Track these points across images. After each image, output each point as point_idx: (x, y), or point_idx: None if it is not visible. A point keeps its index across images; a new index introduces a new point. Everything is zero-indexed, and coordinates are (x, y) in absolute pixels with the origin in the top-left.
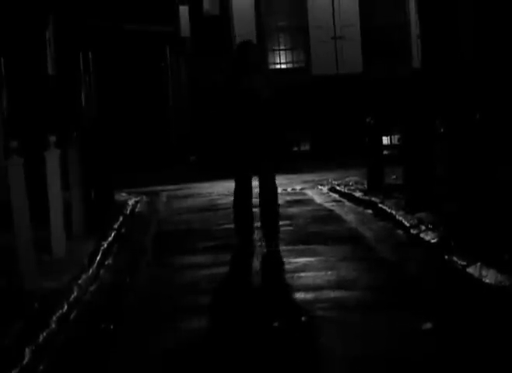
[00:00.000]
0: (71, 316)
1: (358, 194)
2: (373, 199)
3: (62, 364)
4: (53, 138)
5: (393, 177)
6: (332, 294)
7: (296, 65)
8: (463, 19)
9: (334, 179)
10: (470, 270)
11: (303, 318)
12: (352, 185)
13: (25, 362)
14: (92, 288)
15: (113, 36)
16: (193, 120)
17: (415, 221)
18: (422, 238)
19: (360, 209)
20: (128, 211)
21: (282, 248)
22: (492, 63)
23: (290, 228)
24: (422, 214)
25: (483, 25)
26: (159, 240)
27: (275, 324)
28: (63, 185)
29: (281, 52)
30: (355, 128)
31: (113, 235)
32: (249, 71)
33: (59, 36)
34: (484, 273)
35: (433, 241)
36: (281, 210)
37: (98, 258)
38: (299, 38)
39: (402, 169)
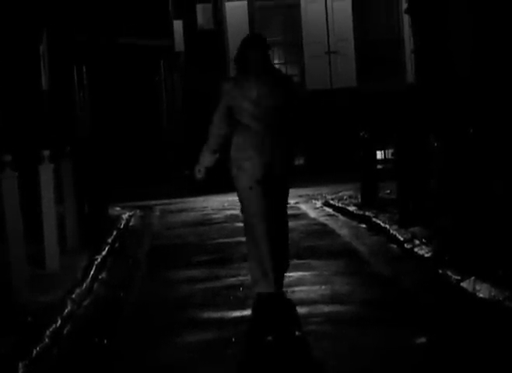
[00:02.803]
0: (65, 330)
1: (352, 208)
2: (366, 213)
3: None
4: (47, 152)
5: (387, 191)
6: (326, 308)
7: None
8: (458, 36)
9: (328, 194)
10: (464, 284)
11: (296, 333)
12: (346, 199)
13: None
14: (86, 302)
15: (107, 50)
16: (187, 134)
17: (409, 236)
18: (416, 253)
19: (354, 223)
20: (122, 225)
21: None
22: (489, 80)
23: None
24: (415, 229)
25: (482, 43)
26: (153, 254)
27: (269, 338)
28: (56, 199)
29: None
30: (349, 142)
31: (107, 249)
32: (254, 74)
33: (53, 51)
34: (478, 287)
35: (426, 255)
36: None
37: (92, 272)
38: (294, 53)
39: (396, 184)
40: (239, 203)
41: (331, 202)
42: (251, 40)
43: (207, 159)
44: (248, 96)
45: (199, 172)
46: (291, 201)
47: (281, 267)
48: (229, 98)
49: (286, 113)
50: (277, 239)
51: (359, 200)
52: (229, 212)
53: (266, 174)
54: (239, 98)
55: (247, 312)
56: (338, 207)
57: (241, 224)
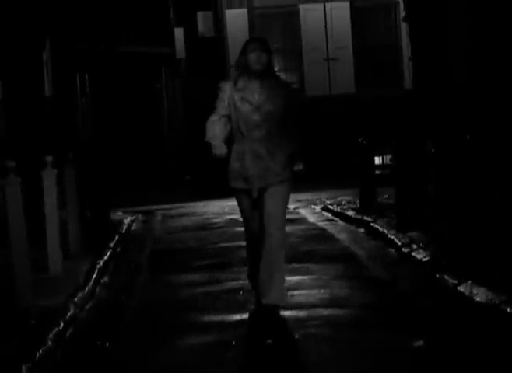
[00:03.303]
0: (68, 334)
1: (350, 213)
2: (365, 218)
3: None
4: (50, 158)
5: (385, 196)
6: (325, 312)
7: None
8: (456, 44)
9: (327, 199)
10: (461, 288)
11: (296, 336)
12: (344, 204)
13: None
14: (88, 306)
15: (109, 57)
16: (188, 140)
17: (407, 240)
18: (414, 257)
19: (353, 228)
20: (124, 230)
21: None
22: (486, 87)
23: None
24: (413, 233)
25: (479, 51)
26: (155, 258)
27: (269, 341)
28: (59, 204)
29: None
30: (348, 148)
31: (109, 253)
32: (256, 77)
33: (56, 59)
34: (475, 291)
35: (424, 259)
36: None
37: (94, 276)
38: (293, 60)
39: (394, 189)
40: (239, 209)
41: (330, 207)
42: (254, 42)
43: (218, 132)
44: (249, 100)
45: (219, 148)
46: (290, 206)
47: (272, 280)
48: (229, 100)
49: (286, 120)
50: (270, 253)
51: (358, 205)
52: (229, 217)
53: (266, 183)
54: (239, 101)
55: (247, 316)
56: (337, 211)
57: (241, 229)
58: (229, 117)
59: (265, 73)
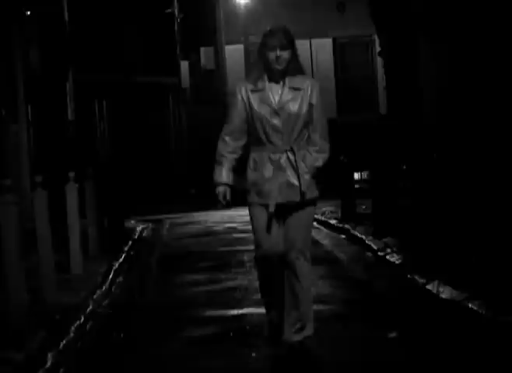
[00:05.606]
0: (88, 326)
1: (333, 222)
2: (346, 226)
3: (81, 367)
4: (72, 174)
5: (363, 207)
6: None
7: None
8: (423, 76)
9: None
10: (429, 286)
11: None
12: (328, 214)
13: (47, 366)
14: (105, 302)
15: (123, 86)
16: (192, 159)
17: (382, 245)
18: (388, 260)
19: (335, 234)
20: (137, 236)
21: None
22: (451, 114)
23: None
24: (388, 239)
25: (444, 84)
26: (164, 261)
27: (263, 334)
28: (80, 214)
29: None
30: (330, 166)
31: (123, 256)
32: (276, 77)
33: (77, 87)
34: (441, 289)
35: (397, 262)
36: None
37: (110, 276)
38: None
39: (371, 201)
40: (238, 218)
41: (315, 217)
42: (273, 38)
43: (223, 177)
44: (268, 102)
45: (223, 199)
46: None
47: (300, 315)
48: (244, 104)
49: (312, 126)
50: (294, 283)
51: (339, 214)
52: (228, 225)
53: (288, 200)
54: (257, 103)
55: (244, 311)
56: (322, 220)
57: (238, 235)
58: (243, 127)
59: (288, 71)
